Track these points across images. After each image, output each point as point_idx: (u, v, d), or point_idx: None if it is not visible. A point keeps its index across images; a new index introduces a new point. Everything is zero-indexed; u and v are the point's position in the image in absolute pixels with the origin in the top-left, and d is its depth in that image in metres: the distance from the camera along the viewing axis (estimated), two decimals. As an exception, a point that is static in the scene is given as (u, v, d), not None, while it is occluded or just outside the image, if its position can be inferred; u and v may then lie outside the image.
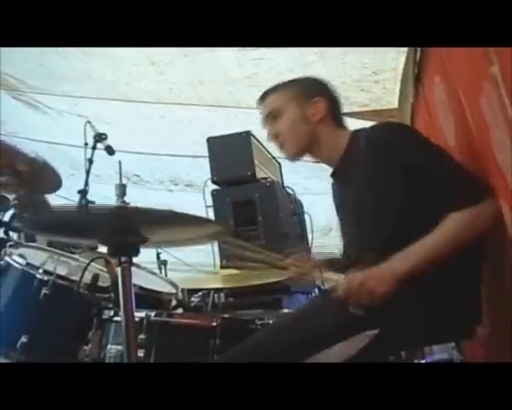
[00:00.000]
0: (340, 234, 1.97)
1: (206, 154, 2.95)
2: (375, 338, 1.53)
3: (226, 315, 1.90)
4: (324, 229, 4.82)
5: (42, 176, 2.51)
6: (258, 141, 3.03)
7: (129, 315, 1.46)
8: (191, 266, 3.97)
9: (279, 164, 3.46)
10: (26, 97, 4.12)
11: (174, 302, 2.44)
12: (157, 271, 3.36)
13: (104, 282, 2.14)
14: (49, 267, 2.19)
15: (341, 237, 1.96)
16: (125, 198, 1.51)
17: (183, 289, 2.63)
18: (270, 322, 1.89)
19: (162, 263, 3.62)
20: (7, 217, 2.53)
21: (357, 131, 1.84)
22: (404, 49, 2.86)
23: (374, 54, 3.13)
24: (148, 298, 2.25)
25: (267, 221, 2.77)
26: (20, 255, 2.19)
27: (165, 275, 3.43)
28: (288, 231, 2.89)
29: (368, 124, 1.95)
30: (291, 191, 3.25)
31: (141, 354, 1.72)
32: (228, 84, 3.67)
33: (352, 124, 1.98)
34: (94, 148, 2.86)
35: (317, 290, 2.90)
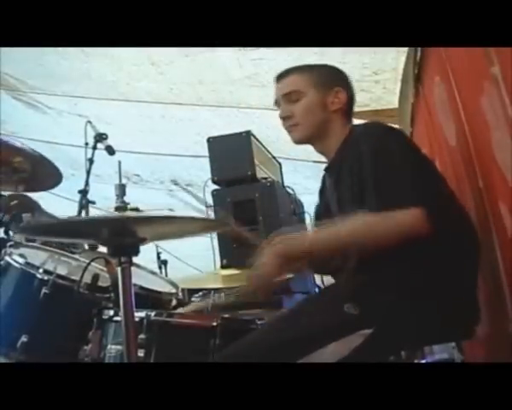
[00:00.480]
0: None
1: (207, 154, 2.95)
2: (369, 338, 1.52)
3: (226, 315, 1.90)
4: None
5: (41, 172, 2.51)
6: (258, 141, 3.03)
7: (129, 315, 1.46)
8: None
9: (279, 164, 3.46)
10: (27, 97, 4.13)
11: (174, 302, 2.43)
12: (157, 271, 3.36)
13: (104, 282, 2.13)
14: (50, 267, 2.19)
15: None
16: (125, 198, 1.51)
17: (183, 289, 2.63)
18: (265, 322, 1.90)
19: (162, 263, 3.62)
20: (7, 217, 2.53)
21: (354, 127, 1.85)
22: (405, 49, 2.86)
23: (374, 54, 3.13)
24: (149, 298, 2.25)
25: (267, 221, 2.77)
26: (21, 255, 2.19)
27: (166, 275, 3.43)
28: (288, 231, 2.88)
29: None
30: (291, 191, 3.25)
31: (141, 354, 1.72)
32: (228, 85, 3.67)
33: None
34: (94, 148, 2.86)
35: (317, 290, 2.91)
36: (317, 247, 1.66)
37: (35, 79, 3.88)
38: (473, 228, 1.66)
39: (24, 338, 2.00)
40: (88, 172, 2.88)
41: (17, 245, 2.25)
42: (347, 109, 1.87)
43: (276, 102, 1.90)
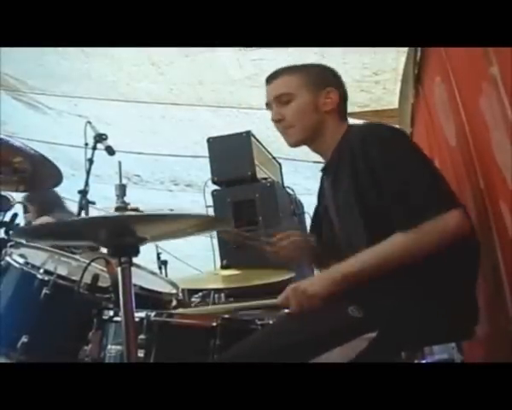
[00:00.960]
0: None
1: (207, 154, 2.95)
2: (374, 341, 1.52)
3: (226, 315, 1.90)
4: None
5: (41, 172, 2.51)
6: (258, 141, 3.03)
7: (129, 315, 1.46)
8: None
9: (279, 164, 3.46)
10: (27, 98, 4.13)
11: (174, 303, 2.43)
12: (157, 271, 3.36)
13: (104, 282, 2.13)
14: (50, 267, 2.19)
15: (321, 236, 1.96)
16: (125, 198, 1.51)
17: (183, 290, 2.63)
18: (271, 322, 1.89)
19: (162, 263, 3.62)
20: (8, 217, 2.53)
21: (350, 127, 1.83)
22: (405, 50, 2.86)
23: (374, 54, 3.14)
24: (149, 298, 2.24)
25: (267, 221, 2.77)
26: (21, 255, 2.19)
27: (166, 275, 3.43)
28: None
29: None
30: (291, 191, 3.25)
31: (141, 354, 1.72)
32: (228, 85, 3.67)
33: (353, 124, 1.98)
34: (94, 148, 2.86)
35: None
36: (366, 274, 1.59)
37: (35, 80, 3.88)
38: (473, 228, 1.66)
39: (24, 338, 2.00)
40: (88, 173, 2.88)
41: (17, 245, 2.25)
42: (341, 109, 1.84)
43: (268, 105, 1.87)
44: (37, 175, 2.52)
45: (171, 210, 4.06)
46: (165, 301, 2.37)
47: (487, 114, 1.59)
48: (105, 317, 1.91)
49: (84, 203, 2.88)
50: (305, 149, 1.92)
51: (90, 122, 2.89)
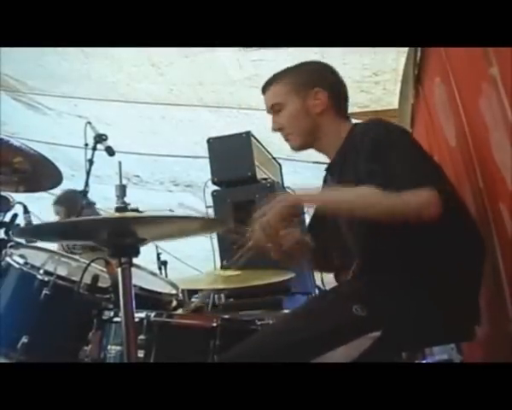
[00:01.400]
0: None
1: (207, 154, 2.95)
2: (377, 341, 1.52)
3: (226, 316, 1.90)
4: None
5: (41, 172, 2.51)
6: (258, 141, 3.03)
7: (129, 316, 1.46)
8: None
9: (279, 165, 3.46)
10: (27, 98, 4.13)
11: (174, 303, 2.43)
12: (157, 271, 3.36)
13: (104, 283, 2.13)
14: (50, 268, 2.19)
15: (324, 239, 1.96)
16: (126, 199, 1.51)
17: (183, 290, 2.62)
18: (271, 323, 1.89)
19: (162, 264, 3.61)
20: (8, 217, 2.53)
21: (355, 125, 1.82)
22: (405, 50, 2.86)
23: (374, 55, 3.14)
24: (149, 299, 2.24)
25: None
26: (21, 256, 2.19)
27: (166, 276, 3.43)
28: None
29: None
30: (291, 192, 3.24)
31: (141, 354, 1.72)
32: (228, 85, 3.67)
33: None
34: (94, 149, 2.86)
35: (317, 291, 2.90)
36: (326, 202, 1.67)
37: (35, 80, 3.88)
38: (477, 229, 1.66)
39: (24, 339, 2.01)
40: (88, 173, 2.88)
41: (17, 246, 2.25)
42: (334, 106, 1.82)
43: (269, 112, 1.90)
44: (37, 175, 2.52)
45: (171, 211, 4.07)
46: (165, 301, 2.37)
47: (487, 115, 1.59)
48: (105, 317, 1.91)
49: (85, 204, 2.88)
50: (305, 149, 1.92)
51: (89, 123, 2.89)
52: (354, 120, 1.89)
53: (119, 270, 1.47)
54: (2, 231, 2.44)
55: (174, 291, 2.45)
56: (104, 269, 2.14)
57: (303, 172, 4.35)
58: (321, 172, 1.99)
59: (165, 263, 3.62)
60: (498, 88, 1.41)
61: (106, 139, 2.80)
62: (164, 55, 3.38)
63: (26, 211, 2.53)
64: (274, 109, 1.85)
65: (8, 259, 2.16)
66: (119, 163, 1.63)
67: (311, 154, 1.94)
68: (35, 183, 2.59)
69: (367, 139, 1.63)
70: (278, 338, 1.58)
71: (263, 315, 2.04)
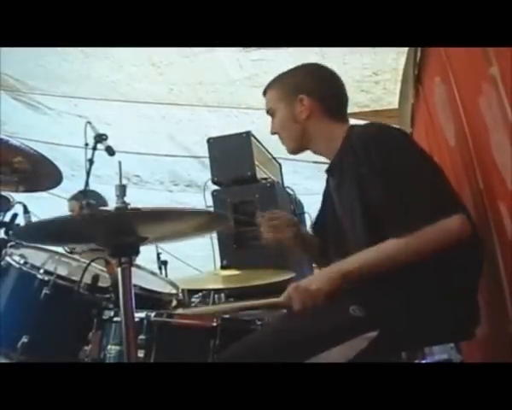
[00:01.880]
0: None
1: (207, 154, 2.95)
2: (374, 341, 1.52)
3: (226, 316, 1.90)
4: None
5: (41, 172, 2.51)
6: (258, 141, 3.03)
7: (129, 316, 1.46)
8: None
9: (279, 164, 3.46)
10: (27, 98, 4.13)
11: (174, 303, 2.43)
12: (157, 271, 3.36)
13: (104, 282, 2.13)
14: (50, 267, 2.19)
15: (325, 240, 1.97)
16: (126, 199, 1.51)
17: (183, 290, 2.63)
18: (269, 322, 1.89)
19: (162, 263, 3.61)
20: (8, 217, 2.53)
21: (353, 127, 1.82)
22: (405, 50, 2.86)
23: (374, 54, 3.14)
24: (149, 299, 2.24)
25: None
26: (21, 256, 2.19)
27: (166, 275, 3.43)
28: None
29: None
30: (291, 192, 3.25)
31: (141, 354, 1.72)
32: (228, 85, 3.67)
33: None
34: (94, 148, 2.85)
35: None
36: (368, 269, 1.60)
37: (35, 80, 3.88)
38: (475, 230, 1.66)
39: (24, 338, 2.01)
40: (88, 173, 2.88)
41: (18, 246, 2.25)
42: (323, 110, 1.83)
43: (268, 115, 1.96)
44: (37, 175, 2.52)
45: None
46: (165, 301, 2.37)
47: (487, 115, 1.59)
48: (105, 317, 1.91)
49: (84, 204, 2.88)
50: (304, 149, 1.93)
51: (90, 122, 2.89)
52: (353, 120, 1.90)
53: (119, 270, 1.47)
54: (3, 230, 2.44)
55: (174, 291, 2.45)
56: (104, 269, 2.14)
57: (303, 172, 4.36)
58: (321, 172, 2.00)
59: (165, 263, 3.62)
60: (498, 88, 1.41)
61: (106, 139, 2.79)
62: (164, 55, 3.38)
63: (26, 211, 2.53)
64: (269, 114, 1.92)
65: (8, 258, 2.16)
66: (119, 163, 1.63)
67: (312, 154, 1.95)
68: (35, 183, 2.58)
69: (370, 148, 1.63)
70: (276, 337, 1.58)
71: (263, 315, 2.03)
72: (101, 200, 3.42)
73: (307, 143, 1.87)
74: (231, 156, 2.89)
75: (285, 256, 2.59)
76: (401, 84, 3.26)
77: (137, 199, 1.57)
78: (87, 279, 2.10)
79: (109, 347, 1.85)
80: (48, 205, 3.84)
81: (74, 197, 3.66)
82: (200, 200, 2.92)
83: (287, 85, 1.87)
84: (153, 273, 2.57)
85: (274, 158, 3.36)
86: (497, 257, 1.74)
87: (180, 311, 2.24)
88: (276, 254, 2.49)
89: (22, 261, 2.15)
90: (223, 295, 2.67)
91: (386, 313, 1.55)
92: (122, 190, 1.50)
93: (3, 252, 2.19)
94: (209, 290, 2.77)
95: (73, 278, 2.14)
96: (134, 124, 4.42)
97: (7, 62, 3.40)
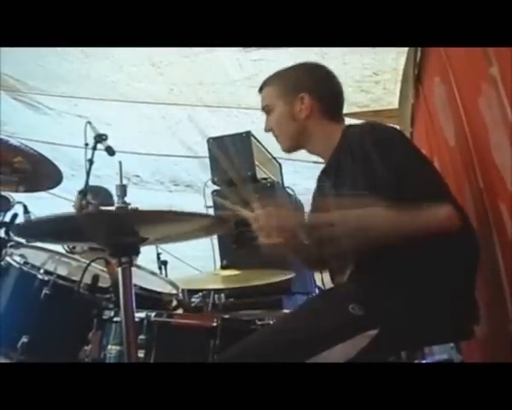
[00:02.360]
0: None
1: (207, 154, 2.95)
2: (374, 339, 1.52)
3: (226, 316, 1.90)
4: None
5: (41, 172, 2.51)
6: (258, 141, 3.03)
7: (129, 316, 1.46)
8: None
9: (279, 164, 3.46)
10: (27, 98, 4.13)
11: (174, 303, 2.43)
12: (157, 271, 3.36)
13: (104, 282, 2.13)
14: (50, 267, 2.19)
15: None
16: (126, 199, 1.51)
17: (183, 290, 2.63)
18: (271, 322, 1.89)
19: (162, 263, 3.61)
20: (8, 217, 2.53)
21: (349, 127, 1.82)
22: (405, 50, 2.86)
23: (374, 54, 3.14)
24: (149, 299, 2.25)
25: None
26: (21, 255, 2.19)
27: (166, 275, 3.43)
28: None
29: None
30: (291, 192, 3.25)
31: (141, 354, 1.72)
32: (228, 85, 3.68)
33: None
34: (94, 148, 2.85)
35: (317, 291, 2.91)
36: (344, 227, 1.58)
37: (35, 80, 3.88)
38: (472, 229, 1.66)
39: (24, 338, 2.01)
40: (88, 173, 2.88)
41: (18, 246, 2.25)
42: (323, 110, 1.83)
43: (263, 112, 1.94)
44: (37, 175, 2.52)
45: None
46: (165, 301, 2.37)
47: (487, 115, 1.59)
48: (105, 317, 1.91)
49: (84, 204, 2.88)
50: (304, 149, 1.92)
51: (90, 122, 2.89)
52: (349, 120, 1.90)
53: (120, 270, 1.47)
54: (3, 230, 2.44)
55: (174, 291, 2.46)
56: (104, 269, 2.14)
57: (303, 172, 4.35)
58: (321, 172, 1.99)
59: (165, 263, 3.62)
60: (498, 88, 1.41)
61: (106, 139, 2.80)
62: (164, 54, 3.38)
63: (26, 211, 2.53)
64: (266, 111, 1.89)
65: (8, 258, 2.16)
66: (120, 163, 1.63)
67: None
68: (35, 183, 2.59)
69: (367, 146, 1.63)
70: (276, 337, 1.59)
71: (263, 315, 2.04)
72: (107, 196, 3.41)
73: (304, 142, 1.86)
74: (231, 156, 2.89)
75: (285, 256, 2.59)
76: (401, 84, 3.26)
77: (137, 199, 1.57)
78: (87, 279, 2.10)
79: (109, 347, 1.85)
80: (48, 205, 3.84)
81: (81, 192, 3.64)
82: (201, 200, 2.92)
83: (286, 83, 1.86)
84: (153, 273, 2.57)
85: (274, 158, 3.36)
86: (497, 257, 1.74)
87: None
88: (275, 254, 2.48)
89: (22, 261, 2.16)
90: (223, 295, 2.67)
91: (385, 312, 1.55)
92: (122, 190, 1.50)
93: (3, 252, 2.19)
94: (209, 290, 2.77)
95: (73, 278, 2.15)
96: (134, 124, 4.42)
97: (7, 62, 3.40)
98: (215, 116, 4.10)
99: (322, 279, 2.26)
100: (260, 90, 1.92)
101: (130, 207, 1.49)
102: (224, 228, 2.08)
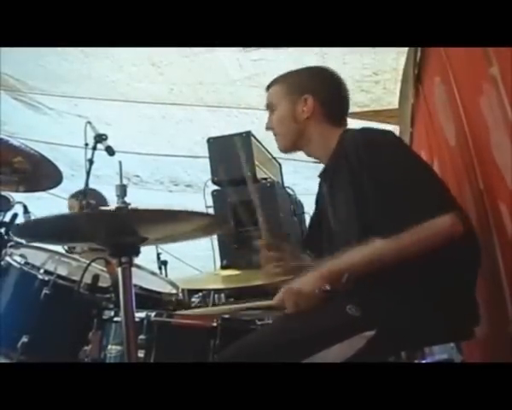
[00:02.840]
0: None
1: (207, 154, 2.95)
2: (372, 340, 1.52)
3: (226, 316, 1.90)
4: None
5: (41, 172, 2.51)
6: (258, 141, 3.03)
7: (129, 316, 1.46)
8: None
9: (279, 164, 3.46)
10: (27, 98, 4.13)
11: (174, 303, 2.43)
12: (157, 271, 3.36)
13: (104, 282, 2.13)
14: (50, 267, 2.19)
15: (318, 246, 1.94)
16: (126, 199, 1.51)
17: (183, 290, 2.63)
18: (270, 322, 1.89)
19: (162, 263, 3.62)
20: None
21: (346, 131, 1.82)
22: (405, 50, 2.86)
23: (374, 54, 3.14)
24: (149, 298, 2.25)
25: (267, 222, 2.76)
26: (21, 255, 2.19)
27: (166, 275, 3.43)
28: (289, 232, 2.88)
29: (367, 124, 1.94)
30: (291, 192, 3.24)
31: (141, 354, 1.72)
32: (228, 85, 3.68)
33: (353, 124, 1.98)
34: (94, 148, 2.86)
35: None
36: (356, 268, 1.59)
37: (35, 80, 3.88)
38: (473, 229, 1.66)
39: (24, 338, 2.01)
40: (88, 173, 2.88)
41: (18, 246, 2.25)
42: (324, 113, 1.84)
43: (266, 110, 1.95)
44: (37, 175, 2.52)
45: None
46: (165, 301, 2.37)
47: (487, 115, 1.59)
48: (105, 317, 1.91)
49: (84, 204, 2.88)
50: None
51: (90, 122, 2.89)
52: (349, 120, 1.90)
53: (120, 270, 1.47)
54: (3, 230, 2.44)
55: (174, 291, 2.46)
56: (104, 269, 2.14)
57: (303, 172, 4.35)
58: (321, 172, 1.99)
59: (165, 263, 3.62)
60: (498, 88, 1.41)
61: (106, 139, 2.80)
62: (164, 54, 3.38)
63: (26, 211, 2.53)
64: (269, 109, 1.91)
65: (8, 258, 2.16)
66: (120, 163, 1.63)
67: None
68: (35, 183, 2.59)
69: (363, 154, 1.63)
70: (274, 337, 1.59)
71: (263, 315, 2.04)
72: (101, 199, 3.42)
73: (302, 144, 1.87)
74: (231, 156, 2.89)
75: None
76: (401, 84, 3.27)
77: (137, 199, 1.57)
78: (87, 279, 2.10)
79: (109, 347, 1.85)
80: (48, 205, 3.83)
81: (74, 196, 3.66)
82: (201, 200, 2.92)
83: (292, 83, 1.87)
84: (153, 273, 2.57)
85: (274, 158, 3.36)
86: (497, 257, 1.74)
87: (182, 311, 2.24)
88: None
89: (22, 261, 2.16)
90: (223, 295, 2.67)
91: (382, 313, 1.55)
92: (122, 190, 1.50)
93: (3, 252, 2.19)
94: (209, 290, 2.78)
95: (73, 278, 2.15)
96: (134, 124, 4.42)
97: (7, 62, 3.40)
98: (215, 116, 4.10)
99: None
100: (268, 88, 1.92)
101: (130, 207, 1.50)
102: (224, 228, 2.09)
